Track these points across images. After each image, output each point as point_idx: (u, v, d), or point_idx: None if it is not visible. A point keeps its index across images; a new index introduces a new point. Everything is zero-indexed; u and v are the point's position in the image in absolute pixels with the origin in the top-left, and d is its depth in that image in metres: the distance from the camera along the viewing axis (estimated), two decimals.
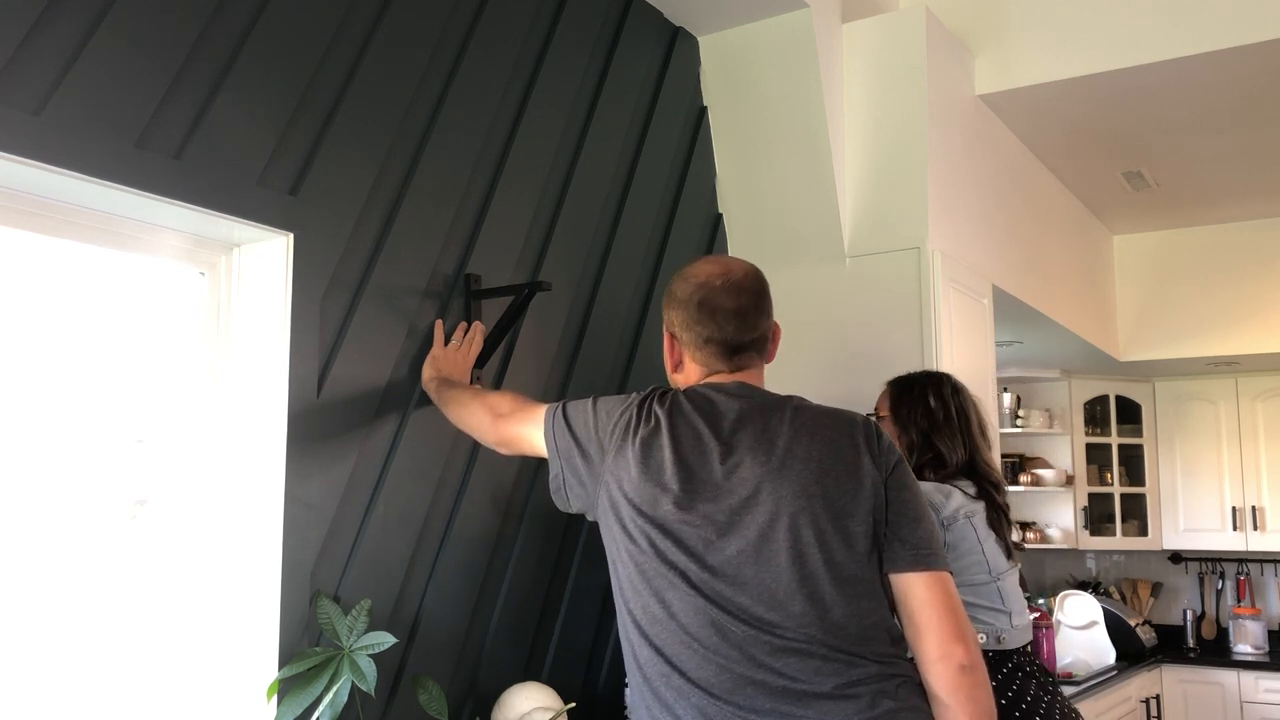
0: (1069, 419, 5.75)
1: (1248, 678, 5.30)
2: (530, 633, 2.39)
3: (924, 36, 3.15)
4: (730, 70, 3.18)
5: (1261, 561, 5.82)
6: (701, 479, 1.65)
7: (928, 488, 2.41)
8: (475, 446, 2.27)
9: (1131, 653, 5.21)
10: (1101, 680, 4.61)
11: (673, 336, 1.83)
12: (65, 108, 1.62)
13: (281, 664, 1.86)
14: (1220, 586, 5.90)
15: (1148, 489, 5.85)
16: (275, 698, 1.84)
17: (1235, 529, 5.67)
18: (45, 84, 1.60)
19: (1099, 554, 6.15)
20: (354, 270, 2.08)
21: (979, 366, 3.31)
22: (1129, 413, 5.90)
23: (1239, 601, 5.82)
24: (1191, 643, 5.72)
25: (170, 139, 1.76)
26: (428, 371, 2.17)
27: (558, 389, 2.55)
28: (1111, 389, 5.84)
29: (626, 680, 1.83)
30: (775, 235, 3.21)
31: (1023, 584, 2.59)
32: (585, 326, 2.64)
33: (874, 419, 2.17)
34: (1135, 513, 5.86)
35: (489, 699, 2.24)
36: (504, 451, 2.02)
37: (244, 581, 1.91)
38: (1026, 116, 3.75)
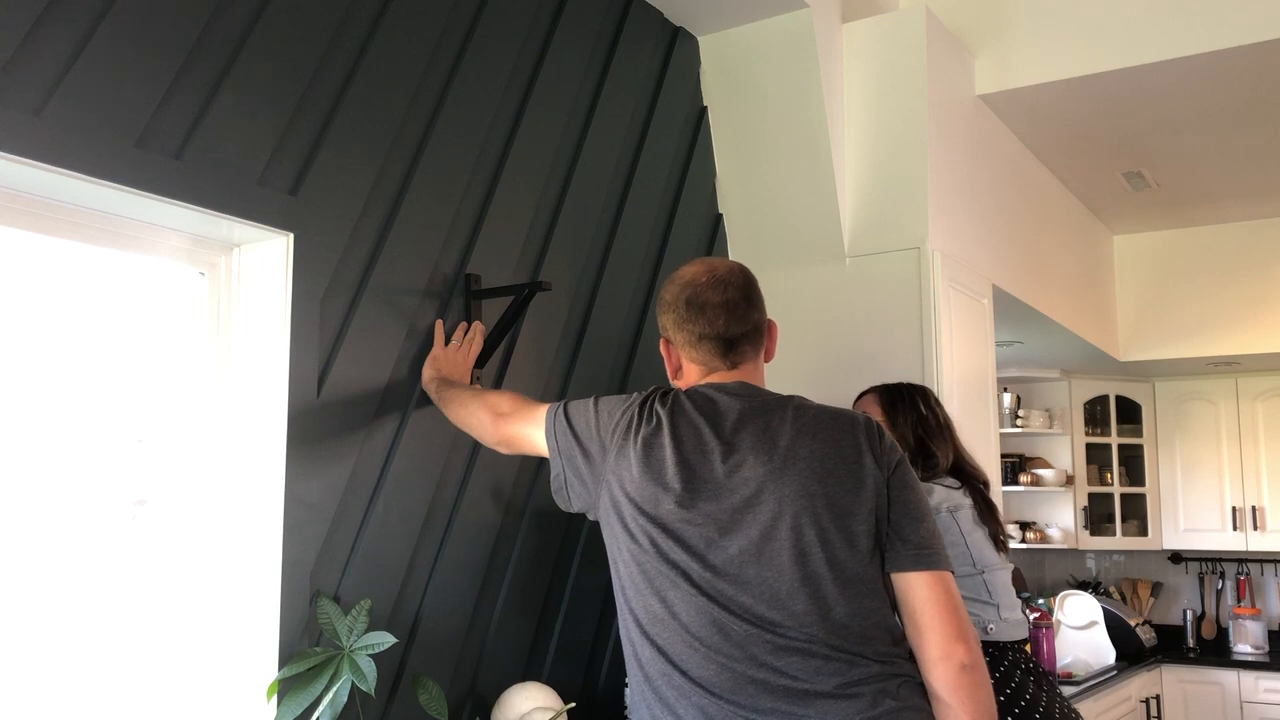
0: (1069, 419, 5.75)
1: (1248, 678, 5.30)
2: (530, 633, 2.39)
3: (924, 36, 3.15)
4: (730, 70, 3.18)
5: (1261, 561, 5.82)
6: (703, 478, 1.65)
7: None
8: (475, 446, 2.27)
9: (1131, 653, 5.21)
10: (1101, 680, 4.61)
11: (668, 341, 1.84)
12: (65, 108, 1.62)
13: (281, 664, 1.86)
14: (1220, 586, 5.90)
15: (1148, 489, 5.85)
16: (275, 697, 1.84)
17: (1235, 529, 5.66)
18: (45, 84, 1.60)
19: (1099, 554, 6.15)
20: (354, 270, 2.08)
21: (979, 366, 3.31)
22: (1129, 413, 5.90)
23: (1239, 601, 5.82)
24: (1191, 643, 5.71)
25: (170, 139, 1.76)
26: (428, 371, 2.17)
27: (558, 389, 2.55)
28: (1111, 389, 5.84)
29: (627, 680, 1.83)
30: (775, 235, 3.21)
31: (1020, 584, 2.61)
32: (585, 326, 2.64)
33: None
34: (1135, 513, 5.86)
35: (489, 699, 2.24)
36: (504, 451, 2.03)
37: (244, 581, 1.91)
38: (1026, 116, 3.75)
